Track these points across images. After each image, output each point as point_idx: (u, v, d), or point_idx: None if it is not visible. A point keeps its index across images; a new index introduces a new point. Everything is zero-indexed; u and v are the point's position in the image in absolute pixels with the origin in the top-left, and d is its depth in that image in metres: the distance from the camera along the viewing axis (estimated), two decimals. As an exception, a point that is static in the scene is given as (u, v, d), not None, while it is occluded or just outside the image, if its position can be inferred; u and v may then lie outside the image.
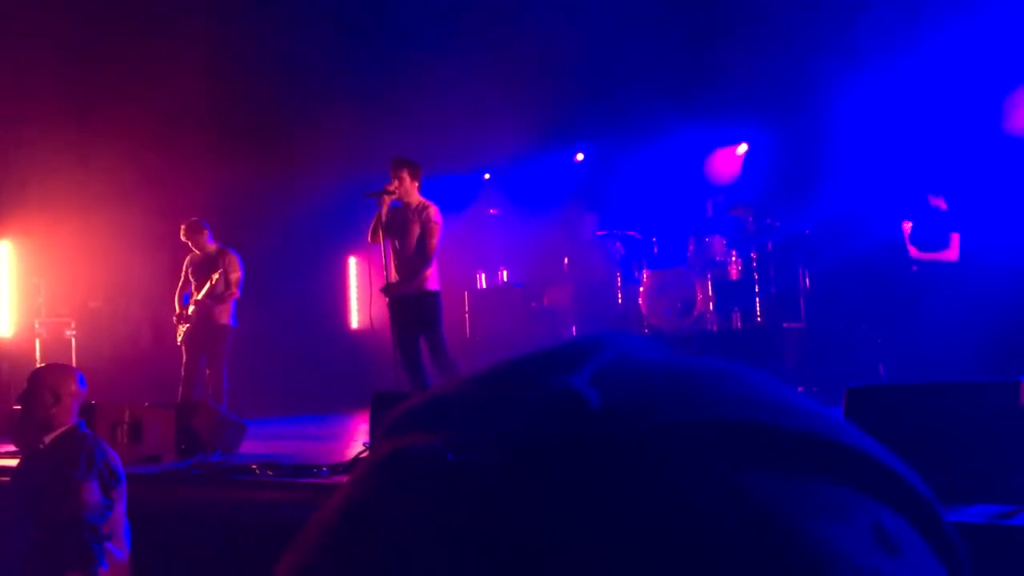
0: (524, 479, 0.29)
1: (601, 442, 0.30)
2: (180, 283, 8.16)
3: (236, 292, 7.96)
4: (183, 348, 7.97)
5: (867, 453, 0.33)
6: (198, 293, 7.91)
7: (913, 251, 7.68)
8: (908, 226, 7.73)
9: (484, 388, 0.34)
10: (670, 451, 0.30)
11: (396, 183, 6.77)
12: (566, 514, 0.28)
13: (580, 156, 11.40)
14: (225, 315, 7.95)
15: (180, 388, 7.89)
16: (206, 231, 8.09)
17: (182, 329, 7.98)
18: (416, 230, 6.74)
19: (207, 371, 7.96)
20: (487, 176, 12.13)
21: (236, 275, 7.96)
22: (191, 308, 7.95)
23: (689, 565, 0.27)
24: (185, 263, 8.18)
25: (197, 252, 8.09)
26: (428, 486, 0.31)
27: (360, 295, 12.34)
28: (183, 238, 8.08)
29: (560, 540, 0.28)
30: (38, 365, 9.19)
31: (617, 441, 0.30)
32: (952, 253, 7.55)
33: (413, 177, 6.83)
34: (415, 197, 6.85)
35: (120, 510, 3.78)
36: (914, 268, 7.64)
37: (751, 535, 0.28)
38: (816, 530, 0.29)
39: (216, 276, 7.79)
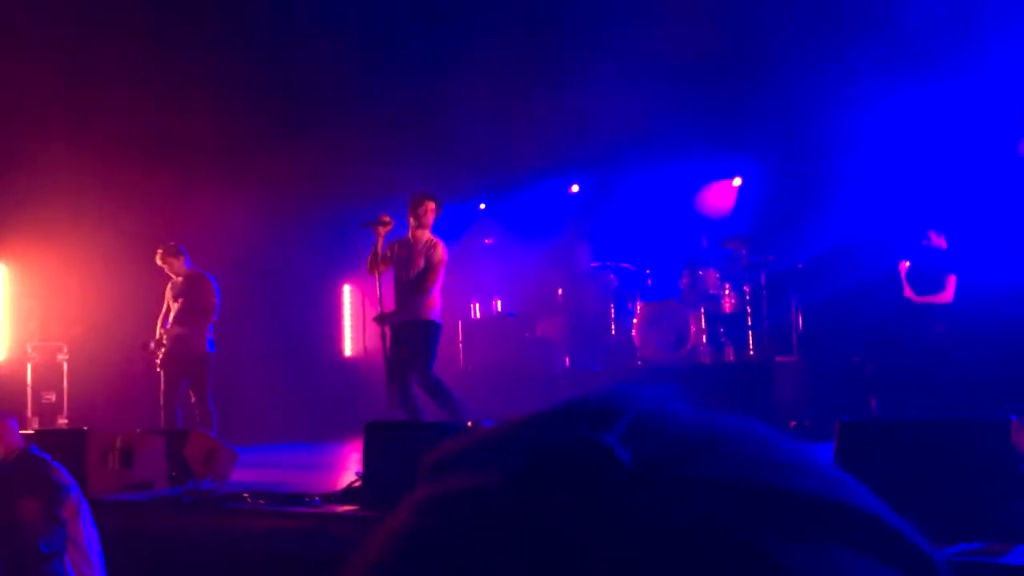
0: (560, 526, 0.32)
1: (629, 492, 0.33)
2: (164, 309, 8.07)
3: (211, 317, 7.90)
4: (161, 373, 7.84)
5: (876, 515, 0.35)
6: (172, 318, 7.87)
7: (909, 293, 7.70)
8: (905, 266, 7.75)
9: (526, 436, 0.38)
10: (692, 505, 0.33)
11: (418, 213, 6.93)
12: (595, 556, 0.31)
13: (575, 187, 11.45)
14: (201, 342, 7.85)
15: (162, 414, 7.76)
16: (183, 256, 8.01)
17: (159, 354, 7.87)
18: (421, 262, 6.87)
19: (192, 399, 7.83)
20: (482, 206, 12.17)
21: (211, 300, 7.87)
22: (163, 333, 7.84)
23: None
24: (167, 288, 8.12)
25: (174, 276, 8.03)
26: (474, 525, 0.34)
27: (354, 323, 12.34)
28: (158, 262, 7.98)
29: None
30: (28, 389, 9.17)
31: (644, 493, 0.33)
32: (947, 295, 7.54)
33: (435, 211, 7.03)
34: (426, 232, 6.98)
35: (80, 528, 3.69)
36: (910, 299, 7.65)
37: None
38: None
39: (182, 300, 7.74)
